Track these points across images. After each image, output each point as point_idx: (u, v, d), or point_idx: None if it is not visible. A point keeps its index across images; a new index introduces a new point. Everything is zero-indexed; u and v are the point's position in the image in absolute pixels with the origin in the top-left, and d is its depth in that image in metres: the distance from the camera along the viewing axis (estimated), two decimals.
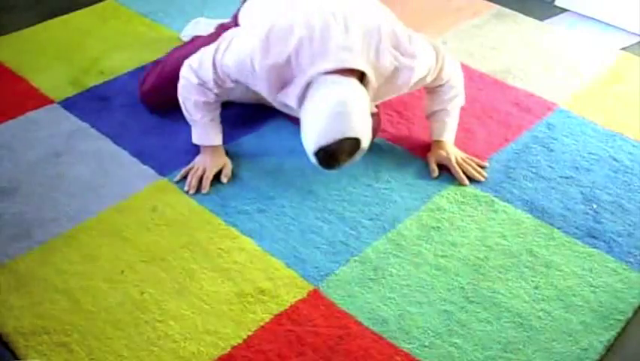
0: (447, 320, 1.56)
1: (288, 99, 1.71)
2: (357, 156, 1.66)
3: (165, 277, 1.63)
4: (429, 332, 1.54)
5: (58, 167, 1.93)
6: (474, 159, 1.99)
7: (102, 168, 1.93)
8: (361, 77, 1.69)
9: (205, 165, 1.90)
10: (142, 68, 2.32)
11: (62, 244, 1.70)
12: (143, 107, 2.16)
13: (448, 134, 1.98)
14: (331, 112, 1.58)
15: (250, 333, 1.52)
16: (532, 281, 1.66)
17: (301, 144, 1.96)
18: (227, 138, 2.04)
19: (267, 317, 1.55)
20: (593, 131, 2.14)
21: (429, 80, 1.85)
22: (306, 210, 1.83)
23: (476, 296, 1.62)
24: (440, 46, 1.88)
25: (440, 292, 1.63)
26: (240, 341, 1.50)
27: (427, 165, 1.98)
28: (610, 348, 1.53)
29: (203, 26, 2.37)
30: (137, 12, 2.66)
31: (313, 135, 1.61)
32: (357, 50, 1.66)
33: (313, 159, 1.65)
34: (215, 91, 1.83)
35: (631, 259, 1.72)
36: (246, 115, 2.14)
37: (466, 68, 2.28)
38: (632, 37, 2.66)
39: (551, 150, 2.06)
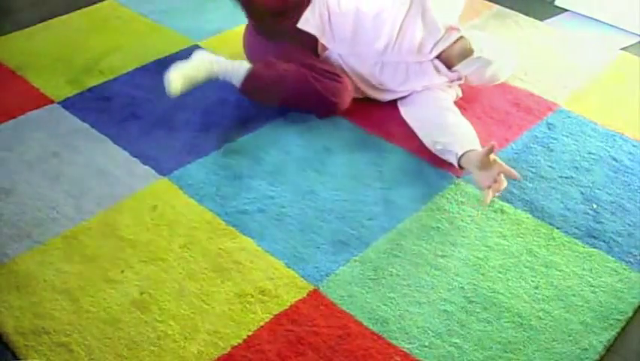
0: (447, 320, 1.56)
1: None
2: None
3: (165, 277, 1.63)
4: (429, 332, 1.54)
5: (58, 167, 1.93)
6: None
7: (102, 168, 1.93)
8: None
9: None
10: (142, 68, 2.33)
11: (62, 244, 1.70)
12: (143, 107, 2.16)
13: None
14: None
15: (250, 333, 1.51)
16: (532, 281, 1.66)
17: (300, 144, 1.95)
18: (226, 137, 2.04)
19: (267, 317, 1.55)
20: (593, 131, 2.14)
21: None
22: (306, 210, 1.83)
23: (476, 296, 1.62)
24: None
25: (440, 292, 1.62)
26: (240, 341, 1.50)
27: (427, 165, 1.98)
28: (610, 348, 1.53)
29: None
30: (137, 12, 2.66)
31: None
32: None
33: None
34: None
35: (631, 259, 1.72)
36: (246, 115, 2.14)
37: None
38: (632, 37, 2.66)
39: (551, 150, 2.06)
